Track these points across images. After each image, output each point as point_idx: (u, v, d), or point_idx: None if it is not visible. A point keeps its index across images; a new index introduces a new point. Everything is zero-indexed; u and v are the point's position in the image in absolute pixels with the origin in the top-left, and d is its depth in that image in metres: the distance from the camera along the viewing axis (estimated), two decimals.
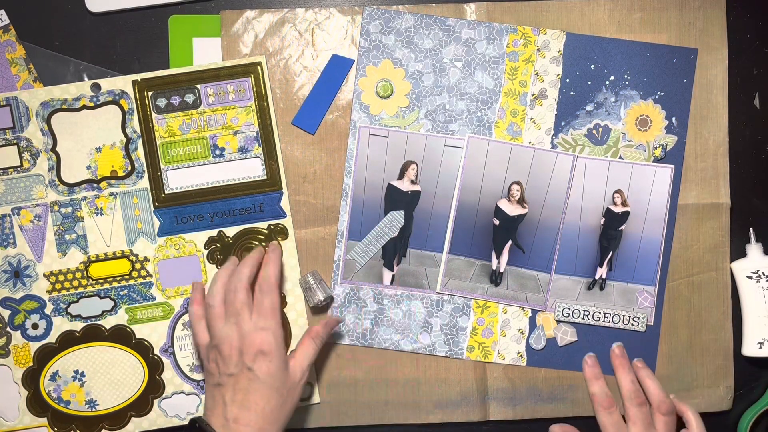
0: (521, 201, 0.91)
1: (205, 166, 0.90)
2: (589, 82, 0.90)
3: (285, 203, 0.91)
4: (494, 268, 0.91)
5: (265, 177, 0.90)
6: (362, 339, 0.92)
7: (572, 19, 0.90)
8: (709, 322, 0.93)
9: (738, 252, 0.93)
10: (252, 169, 0.90)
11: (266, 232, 0.91)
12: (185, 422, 0.91)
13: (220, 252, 0.91)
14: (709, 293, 0.93)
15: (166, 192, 0.90)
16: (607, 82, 0.90)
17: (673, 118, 0.91)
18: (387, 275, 0.92)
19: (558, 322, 0.92)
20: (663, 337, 0.92)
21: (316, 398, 0.92)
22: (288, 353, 0.84)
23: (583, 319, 0.91)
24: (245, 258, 0.85)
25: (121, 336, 0.91)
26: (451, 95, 0.90)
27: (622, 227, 0.91)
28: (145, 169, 0.89)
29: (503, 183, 0.90)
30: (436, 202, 0.91)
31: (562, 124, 0.90)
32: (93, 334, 0.90)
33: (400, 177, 0.90)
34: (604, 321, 0.91)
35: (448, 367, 0.92)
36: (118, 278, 0.90)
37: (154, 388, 0.91)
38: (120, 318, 0.90)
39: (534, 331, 0.92)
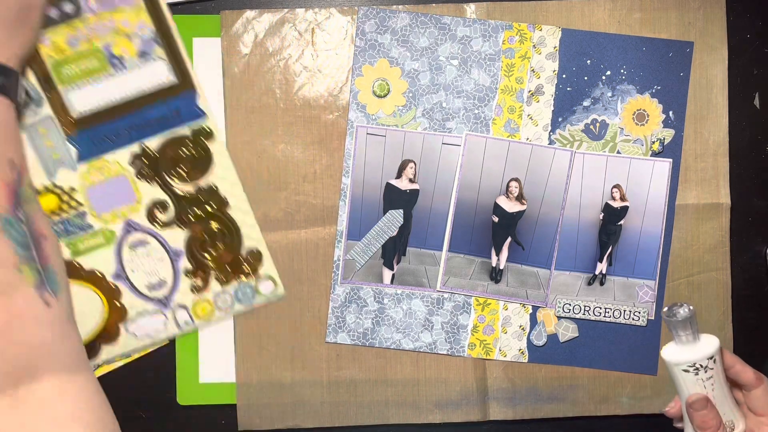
0: (520, 198, 0.90)
1: (106, 79, 0.86)
2: (586, 78, 0.90)
3: (203, 102, 0.88)
4: (494, 265, 0.91)
5: (174, 79, 0.88)
6: (363, 339, 0.91)
7: (572, 18, 0.90)
8: (709, 322, 0.92)
9: (738, 252, 0.93)
10: (158, 74, 0.87)
11: (190, 135, 0.89)
12: (156, 341, 0.91)
13: (148, 167, 0.88)
14: (709, 293, 0.92)
15: (74, 116, 0.87)
16: (604, 77, 0.90)
17: (671, 112, 0.91)
18: (387, 274, 0.91)
19: (559, 318, 0.91)
20: (663, 336, 0.92)
21: (280, 290, 0.92)
22: None
23: (584, 314, 0.91)
24: None
25: (70, 271, 0.88)
26: (447, 93, 0.90)
27: (622, 222, 0.91)
28: (42, 95, 0.86)
29: (501, 180, 0.90)
30: (435, 200, 0.91)
31: (560, 119, 0.90)
32: None
33: (398, 176, 0.91)
34: (605, 316, 0.91)
35: (448, 367, 0.92)
36: (49, 214, 0.88)
37: (117, 315, 0.89)
38: (63, 253, 0.88)
39: (535, 327, 0.92)
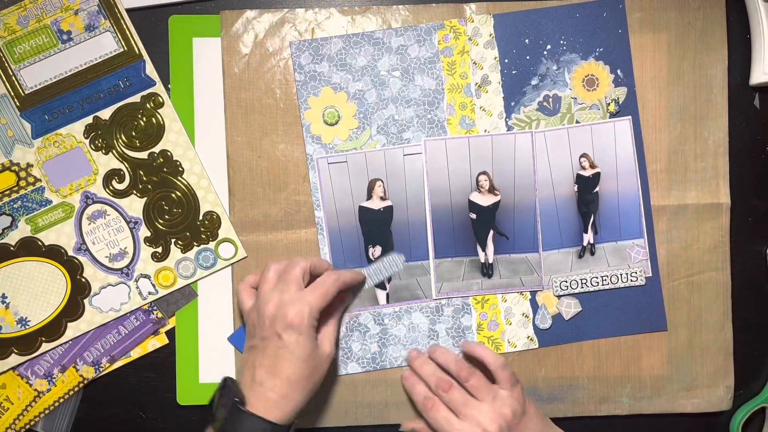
0: (492, 189, 0.90)
1: (56, 55, 0.89)
2: (528, 57, 0.90)
3: (151, 71, 0.90)
4: (483, 261, 0.91)
5: (121, 49, 0.90)
6: (373, 363, 0.91)
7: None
8: (709, 322, 0.92)
9: (738, 252, 0.93)
10: (106, 45, 0.89)
11: (142, 104, 0.90)
12: (121, 313, 0.91)
13: (102, 138, 0.90)
14: (709, 293, 0.92)
15: (26, 92, 0.89)
16: (545, 52, 0.90)
17: (618, 71, 0.90)
18: (381, 295, 0.91)
19: (558, 297, 0.91)
20: (663, 336, 0.92)
21: (241, 252, 0.93)
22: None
23: (582, 288, 0.91)
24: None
25: (30, 248, 0.90)
26: (397, 105, 0.90)
27: (597, 189, 0.91)
28: None
29: (470, 176, 0.90)
30: (410, 212, 0.91)
31: (512, 104, 0.90)
32: (0, 254, 0.90)
33: (369, 197, 0.90)
34: (602, 284, 0.91)
35: None
36: (7, 192, 0.89)
37: (80, 289, 0.90)
38: (23, 231, 0.90)
39: (538, 312, 0.91)
